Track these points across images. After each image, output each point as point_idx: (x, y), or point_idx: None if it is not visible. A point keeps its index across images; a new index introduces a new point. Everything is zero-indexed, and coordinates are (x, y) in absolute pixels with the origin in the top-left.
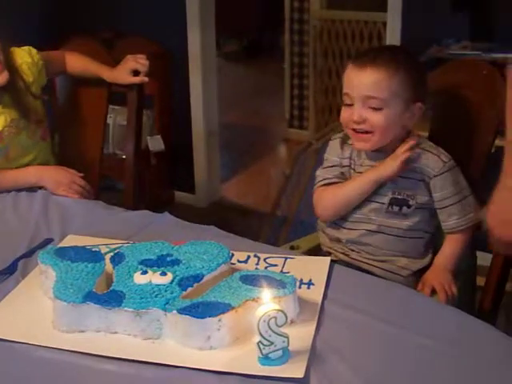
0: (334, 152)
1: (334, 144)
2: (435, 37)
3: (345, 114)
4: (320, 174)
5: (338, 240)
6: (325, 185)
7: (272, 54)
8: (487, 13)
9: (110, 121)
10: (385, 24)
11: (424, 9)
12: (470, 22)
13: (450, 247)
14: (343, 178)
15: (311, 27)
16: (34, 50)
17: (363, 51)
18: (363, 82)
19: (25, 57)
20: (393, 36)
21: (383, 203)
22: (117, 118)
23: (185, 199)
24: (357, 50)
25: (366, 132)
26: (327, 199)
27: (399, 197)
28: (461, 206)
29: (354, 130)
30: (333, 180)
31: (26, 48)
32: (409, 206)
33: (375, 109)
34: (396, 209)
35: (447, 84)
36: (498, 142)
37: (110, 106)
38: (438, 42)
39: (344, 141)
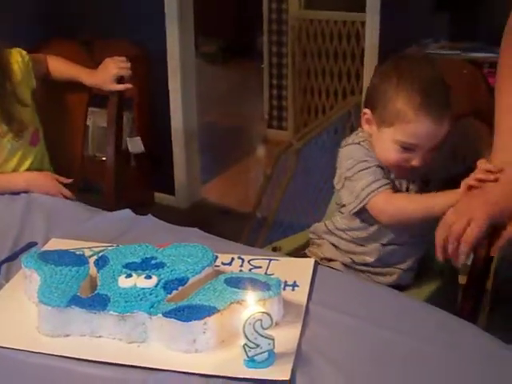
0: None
1: (359, 148)
2: (414, 37)
3: (399, 156)
4: (365, 176)
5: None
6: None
7: (250, 55)
8: (465, 13)
9: (89, 123)
10: (363, 24)
11: (402, 9)
12: (448, 22)
13: None
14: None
15: (289, 27)
16: (23, 52)
17: (428, 98)
18: (439, 135)
19: (16, 56)
20: (371, 36)
21: None
22: (96, 120)
23: (165, 200)
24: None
25: None
26: (403, 204)
27: None
28: None
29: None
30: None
31: (16, 49)
32: None
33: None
34: None
35: None
36: None
37: (90, 109)
38: (416, 41)
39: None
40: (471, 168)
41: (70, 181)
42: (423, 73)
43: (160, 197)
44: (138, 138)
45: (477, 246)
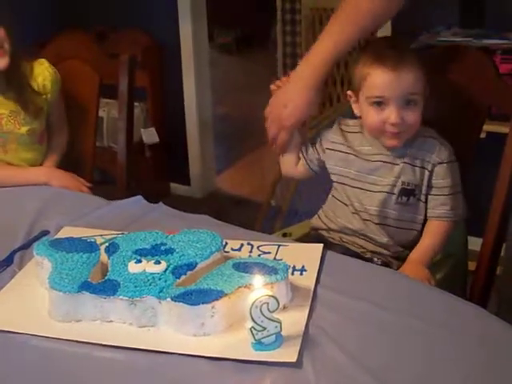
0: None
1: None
2: (426, 24)
3: (376, 117)
4: None
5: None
6: None
7: (265, 45)
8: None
9: (103, 114)
10: None
11: None
12: (460, 8)
13: (430, 239)
14: None
15: (303, 17)
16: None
17: (381, 52)
18: (403, 82)
19: (44, 69)
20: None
21: (393, 193)
22: (110, 111)
23: (180, 191)
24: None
25: (400, 131)
26: None
27: (408, 187)
28: (454, 198)
29: (387, 131)
30: None
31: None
32: (414, 196)
33: (410, 106)
34: (404, 199)
35: (437, 70)
36: (487, 128)
37: (104, 100)
38: (428, 29)
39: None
40: None
41: (88, 185)
42: (381, 42)
43: (175, 187)
44: (153, 128)
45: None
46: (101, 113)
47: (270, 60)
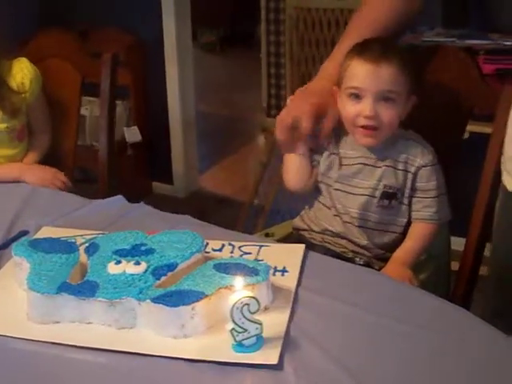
0: None
1: None
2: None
3: (352, 109)
4: None
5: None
6: None
7: (249, 44)
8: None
9: (86, 112)
10: None
11: None
12: (443, 9)
13: (414, 240)
14: None
15: (287, 16)
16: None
17: (364, 44)
18: (381, 77)
19: (25, 69)
20: None
21: (375, 197)
22: (93, 109)
23: (163, 190)
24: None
25: (374, 128)
26: None
27: (390, 191)
28: (438, 201)
29: (361, 126)
30: None
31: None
32: (397, 199)
33: (387, 103)
34: (386, 202)
35: (419, 70)
36: (470, 128)
37: (86, 98)
38: (412, 29)
39: None
40: None
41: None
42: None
43: (158, 186)
44: (135, 127)
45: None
46: (83, 111)
47: (254, 59)
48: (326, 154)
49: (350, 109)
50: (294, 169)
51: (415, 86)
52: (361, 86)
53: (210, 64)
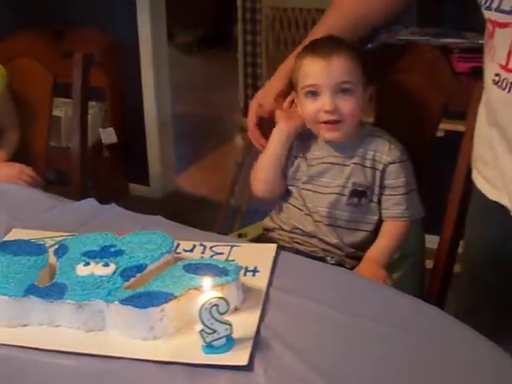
0: None
1: None
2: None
3: (311, 106)
4: None
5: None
6: None
7: (227, 44)
8: None
9: (61, 114)
10: None
11: None
12: (418, 8)
13: (386, 239)
14: None
15: (263, 16)
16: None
17: (313, 43)
18: (334, 70)
19: None
20: None
21: (344, 195)
22: (68, 110)
23: (139, 191)
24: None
25: (337, 121)
26: None
27: (359, 188)
28: (408, 197)
29: (324, 122)
30: None
31: None
32: (366, 197)
33: (345, 94)
34: (355, 200)
35: (392, 68)
36: (445, 126)
37: (61, 100)
38: (387, 28)
39: None
40: None
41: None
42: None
43: (134, 187)
44: (111, 128)
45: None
46: (58, 112)
47: (231, 59)
48: (290, 159)
49: (309, 107)
50: (267, 178)
51: (368, 77)
52: (316, 83)
53: (187, 64)
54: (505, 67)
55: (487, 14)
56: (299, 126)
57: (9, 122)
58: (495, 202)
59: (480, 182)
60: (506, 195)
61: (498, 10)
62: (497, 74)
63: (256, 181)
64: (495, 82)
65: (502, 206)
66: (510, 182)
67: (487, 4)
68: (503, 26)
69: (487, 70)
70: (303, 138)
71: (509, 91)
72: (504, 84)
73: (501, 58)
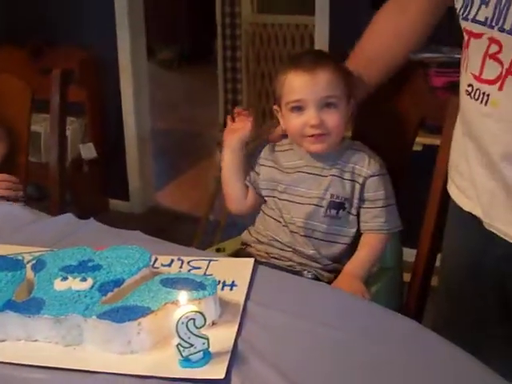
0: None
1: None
2: None
3: (296, 121)
4: None
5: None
6: None
7: (207, 60)
8: None
9: (40, 129)
10: None
11: (350, 10)
12: None
13: (365, 251)
14: None
15: (243, 32)
16: None
17: (297, 58)
18: (318, 84)
19: None
20: (321, 39)
21: (321, 206)
22: (48, 126)
23: (119, 206)
24: (288, 58)
25: (322, 134)
26: None
27: (337, 200)
28: (387, 211)
29: (309, 136)
30: None
31: None
32: (344, 209)
33: (330, 108)
34: (333, 212)
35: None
36: (423, 140)
37: (41, 115)
38: None
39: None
40: None
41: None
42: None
43: (114, 203)
44: (91, 144)
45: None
46: (38, 128)
47: (211, 75)
48: (265, 168)
49: (294, 121)
50: (230, 193)
51: (351, 91)
52: (301, 98)
53: (167, 80)
54: (478, 77)
55: (463, 24)
56: (242, 136)
57: None
58: (470, 214)
59: (454, 192)
60: (478, 206)
61: (473, 20)
62: (469, 85)
63: (225, 196)
64: (468, 93)
65: (477, 218)
66: (481, 194)
67: (464, 14)
68: (477, 36)
69: (462, 80)
70: (279, 150)
71: (481, 102)
72: (476, 95)
73: (474, 68)
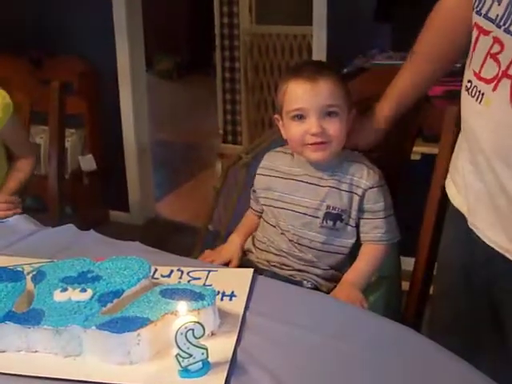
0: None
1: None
2: (360, 48)
3: (297, 129)
4: None
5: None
6: None
7: (205, 71)
8: (407, 23)
9: (40, 141)
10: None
11: (348, 21)
12: (392, 32)
13: (365, 262)
14: None
15: (241, 42)
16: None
17: (298, 67)
18: (320, 93)
19: None
20: (319, 48)
21: (317, 217)
22: (48, 138)
23: (120, 218)
24: (288, 67)
25: (323, 143)
26: None
27: (334, 211)
28: (387, 221)
29: (310, 144)
30: None
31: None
32: (342, 221)
33: (332, 117)
34: (330, 223)
35: (366, 93)
36: (422, 149)
37: (41, 127)
38: (363, 52)
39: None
40: None
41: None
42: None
43: (114, 214)
44: (90, 155)
45: None
46: (38, 140)
47: (210, 86)
48: (262, 176)
49: (295, 130)
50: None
51: (352, 101)
52: (303, 106)
53: (166, 91)
54: (477, 74)
55: (475, 19)
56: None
57: (19, 149)
58: (467, 227)
59: (450, 187)
60: (465, 204)
61: (485, 16)
62: (469, 81)
63: None
64: (467, 89)
65: (472, 230)
66: (469, 193)
67: (478, 8)
68: (486, 33)
69: (465, 75)
70: (279, 157)
71: (476, 100)
72: (473, 92)
73: (476, 65)
